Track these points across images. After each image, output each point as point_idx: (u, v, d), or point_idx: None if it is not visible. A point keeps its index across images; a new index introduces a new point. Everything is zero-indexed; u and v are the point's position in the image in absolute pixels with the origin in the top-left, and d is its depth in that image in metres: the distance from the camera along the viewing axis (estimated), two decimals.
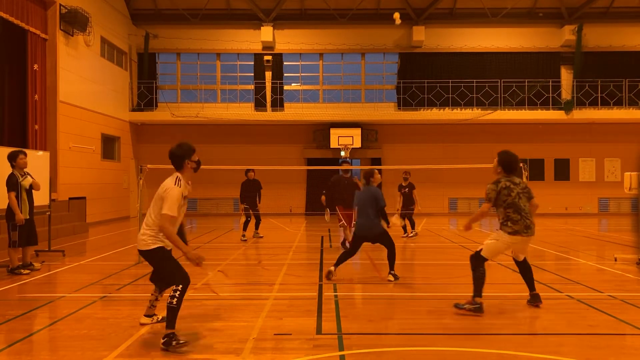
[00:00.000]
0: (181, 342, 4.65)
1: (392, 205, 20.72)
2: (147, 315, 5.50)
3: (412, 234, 13.61)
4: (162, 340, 4.67)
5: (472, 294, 6.01)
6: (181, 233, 5.13)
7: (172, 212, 4.73)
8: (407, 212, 13.66)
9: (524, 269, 6.41)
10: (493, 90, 22.14)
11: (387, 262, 7.98)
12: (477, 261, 6.10)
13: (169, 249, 5.00)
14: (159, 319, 5.47)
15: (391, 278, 7.87)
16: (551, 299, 6.67)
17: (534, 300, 6.27)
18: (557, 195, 22.46)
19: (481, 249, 6.14)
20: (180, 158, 4.96)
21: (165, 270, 4.96)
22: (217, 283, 7.87)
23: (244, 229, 13.27)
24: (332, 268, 7.91)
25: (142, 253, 4.98)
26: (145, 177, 9.88)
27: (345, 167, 11.80)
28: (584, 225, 17.98)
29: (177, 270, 4.87)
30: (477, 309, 5.89)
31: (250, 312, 6.02)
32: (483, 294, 5.97)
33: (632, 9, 22.16)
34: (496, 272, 8.66)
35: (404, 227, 13.85)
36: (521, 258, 6.42)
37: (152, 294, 5.51)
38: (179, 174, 4.95)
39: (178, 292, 4.71)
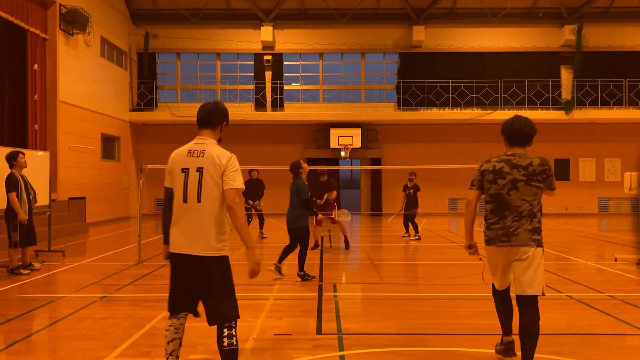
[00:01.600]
0: None
1: (393, 206, 20.71)
2: None
3: (414, 237, 13.28)
4: None
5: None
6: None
7: (241, 184, 3.60)
8: (410, 213, 13.45)
9: (523, 316, 3.99)
10: (493, 90, 22.14)
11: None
12: (492, 290, 4.48)
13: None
14: None
15: (299, 279, 7.84)
16: (551, 299, 6.67)
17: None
18: (557, 195, 22.04)
19: None
20: (223, 116, 3.74)
21: (231, 293, 3.66)
22: None
23: None
24: (277, 264, 7.94)
25: (198, 260, 3.51)
26: (145, 177, 9.88)
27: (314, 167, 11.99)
28: (584, 225, 17.98)
29: (234, 292, 3.64)
30: (503, 351, 4.42)
31: (250, 312, 6.01)
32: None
33: (632, 9, 22.15)
34: None
35: (406, 227, 13.70)
36: (527, 290, 3.96)
37: (172, 331, 3.69)
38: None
39: (235, 327, 3.59)
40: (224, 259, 3.59)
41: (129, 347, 4.77)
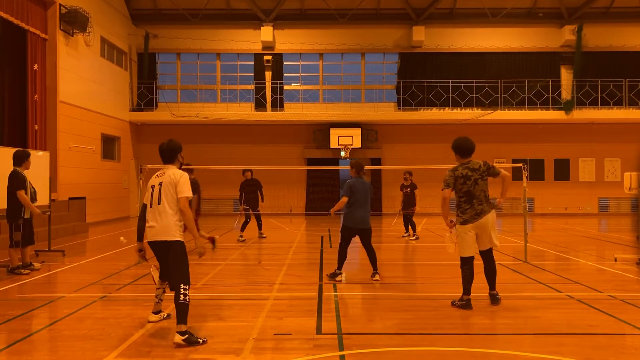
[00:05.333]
0: (201, 340, 4.83)
1: (393, 206, 20.68)
2: (155, 312, 5.56)
3: (413, 238, 13.27)
4: (182, 337, 4.72)
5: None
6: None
7: (189, 193, 5.02)
8: (408, 213, 13.38)
9: (490, 262, 6.34)
10: (493, 90, 22.14)
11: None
12: (461, 261, 6.27)
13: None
14: (166, 316, 5.60)
15: (377, 278, 7.92)
16: (551, 299, 6.68)
17: (495, 300, 6.29)
18: (557, 195, 22.47)
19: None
20: (174, 152, 5.27)
21: (184, 266, 4.99)
22: (217, 283, 7.86)
23: (242, 229, 13.20)
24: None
25: (162, 244, 5.01)
26: (145, 177, 9.87)
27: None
28: (584, 225, 17.98)
29: (188, 267, 5.03)
30: (463, 306, 6.11)
31: (250, 312, 6.02)
32: (468, 295, 6.16)
33: (632, 9, 22.15)
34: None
35: (406, 227, 13.67)
36: (484, 247, 6.28)
37: (157, 289, 5.53)
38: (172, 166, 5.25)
39: (188, 290, 4.89)
40: (180, 243, 5.04)
41: (129, 347, 4.77)
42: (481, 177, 6.16)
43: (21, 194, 8.44)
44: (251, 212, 13.23)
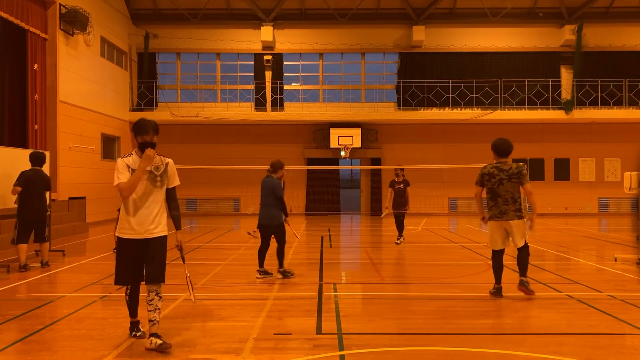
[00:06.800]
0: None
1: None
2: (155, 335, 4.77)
3: (399, 240, 12.23)
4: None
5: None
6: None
7: (119, 180, 4.67)
8: (399, 213, 12.15)
9: (520, 255, 6.67)
10: (493, 90, 22.15)
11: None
12: (492, 255, 6.78)
13: None
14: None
15: (280, 276, 8.04)
16: (551, 299, 6.68)
17: (522, 285, 6.60)
18: (557, 195, 22.46)
19: None
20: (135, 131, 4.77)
21: (163, 263, 4.77)
22: (218, 283, 7.86)
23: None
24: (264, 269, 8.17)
25: (160, 240, 4.72)
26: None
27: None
28: (584, 225, 17.98)
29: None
30: (495, 293, 6.66)
31: (250, 312, 6.02)
32: (498, 284, 6.70)
33: (632, 9, 22.16)
34: None
35: (399, 229, 12.35)
36: (518, 244, 6.58)
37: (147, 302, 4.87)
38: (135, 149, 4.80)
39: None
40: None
41: (129, 347, 4.77)
42: (508, 178, 6.45)
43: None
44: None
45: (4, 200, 9.49)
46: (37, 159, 9.25)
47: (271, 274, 8.14)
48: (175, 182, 4.88)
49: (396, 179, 12.21)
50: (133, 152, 4.77)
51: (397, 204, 12.08)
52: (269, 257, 8.43)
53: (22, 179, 8.84)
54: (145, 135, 4.68)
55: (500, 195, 6.45)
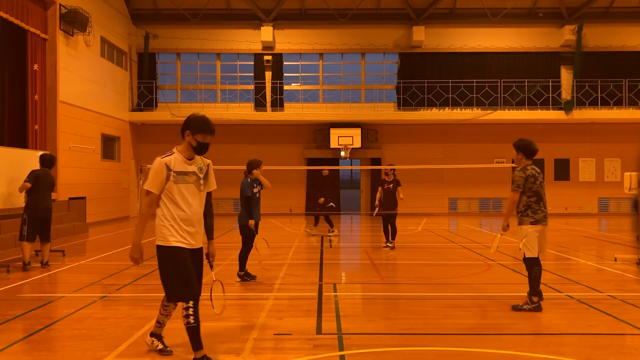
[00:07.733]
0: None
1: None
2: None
3: (386, 244, 11.53)
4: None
5: (527, 292, 6.13)
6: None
7: (149, 186, 4.17)
8: (389, 214, 11.42)
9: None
10: (493, 90, 22.14)
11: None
12: (529, 263, 6.12)
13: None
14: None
15: (238, 279, 7.87)
16: (551, 299, 6.67)
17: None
18: (557, 195, 22.43)
19: (524, 254, 6.14)
20: (184, 125, 4.31)
21: (163, 277, 4.51)
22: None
23: (331, 225, 14.11)
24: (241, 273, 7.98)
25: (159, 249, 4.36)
26: (145, 177, 9.87)
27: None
28: (584, 225, 17.98)
29: (171, 279, 4.43)
30: (535, 308, 5.98)
31: (250, 312, 6.02)
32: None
33: (632, 9, 22.15)
34: (497, 273, 8.66)
35: (386, 233, 11.62)
36: (545, 250, 6.32)
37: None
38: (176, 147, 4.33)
39: (189, 308, 4.28)
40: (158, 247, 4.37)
41: (129, 347, 4.77)
42: (542, 181, 6.23)
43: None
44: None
45: (4, 201, 9.49)
46: (47, 161, 9.28)
47: (254, 277, 7.99)
48: (213, 185, 4.44)
49: (386, 178, 11.53)
50: (175, 151, 4.27)
51: (386, 205, 11.35)
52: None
53: (32, 176, 8.84)
54: (207, 134, 4.17)
55: (543, 198, 6.15)
